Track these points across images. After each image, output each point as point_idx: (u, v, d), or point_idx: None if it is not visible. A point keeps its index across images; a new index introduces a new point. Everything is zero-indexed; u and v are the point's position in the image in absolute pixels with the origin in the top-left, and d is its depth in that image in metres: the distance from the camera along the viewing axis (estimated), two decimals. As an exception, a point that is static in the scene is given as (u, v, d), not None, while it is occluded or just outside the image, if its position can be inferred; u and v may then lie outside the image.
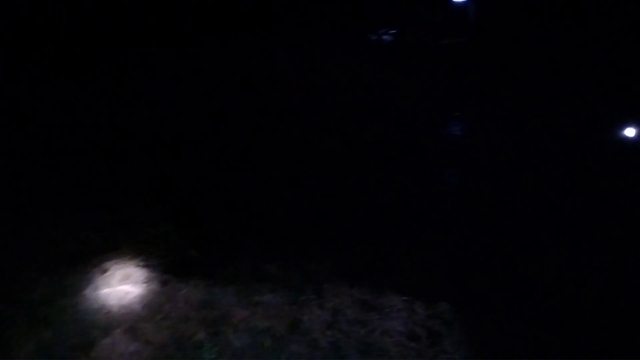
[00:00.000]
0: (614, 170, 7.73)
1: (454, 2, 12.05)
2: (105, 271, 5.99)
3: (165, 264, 5.94)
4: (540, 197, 7.26)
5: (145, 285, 5.58)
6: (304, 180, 7.97)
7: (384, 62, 11.86)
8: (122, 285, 5.62)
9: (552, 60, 10.88)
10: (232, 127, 9.54)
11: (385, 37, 12.35)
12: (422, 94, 10.58)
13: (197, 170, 8.20)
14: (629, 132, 5.76)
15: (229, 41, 12.01)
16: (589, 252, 6.02)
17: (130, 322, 4.92)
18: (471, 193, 7.67)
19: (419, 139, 9.18)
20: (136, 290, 5.47)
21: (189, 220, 7.11)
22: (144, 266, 6.01)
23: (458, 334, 4.72)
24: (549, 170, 7.88)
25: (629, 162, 7.92)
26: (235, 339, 4.50)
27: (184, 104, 10.31)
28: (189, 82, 11.13)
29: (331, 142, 9.01)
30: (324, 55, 11.91)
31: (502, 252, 6.14)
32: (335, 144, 8.99)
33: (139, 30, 11.37)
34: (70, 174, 7.92)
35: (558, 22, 11.19)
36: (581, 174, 7.67)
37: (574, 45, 10.82)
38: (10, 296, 5.38)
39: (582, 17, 10.90)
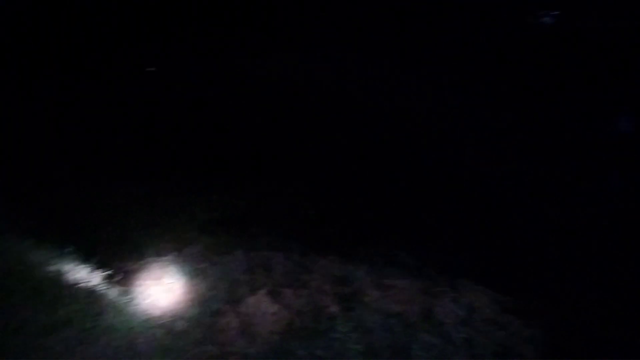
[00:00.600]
0: None
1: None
2: (252, 236, 6.54)
3: (306, 237, 6.24)
4: None
5: (286, 253, 5.93)
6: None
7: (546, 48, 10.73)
8: (266, 251, 6.04)
9: None
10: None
11: (546, 19, 11.08)
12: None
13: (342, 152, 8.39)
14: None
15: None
16: None
17: (273, 285, 5.27)
18: None
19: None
20: (278, 257, 5.83)
21: (328, 199, 7.38)
22: (286, 236, 6.40)
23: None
24: None
25: None
26: (367, 318, 4.55)
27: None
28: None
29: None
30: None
31: None
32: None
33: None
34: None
35: None
36: None
37: None
38: (176, 250, 6.15)
39: None
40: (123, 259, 6.05)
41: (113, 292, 4.91)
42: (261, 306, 4.98)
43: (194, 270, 5.71)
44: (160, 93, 10.32)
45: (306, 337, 4.43)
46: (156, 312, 5.00)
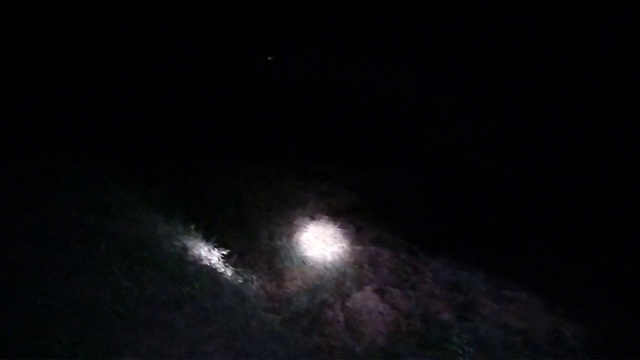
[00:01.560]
0: None
1: None
2: (359, 229, 6.37)
3: (415, 235, 5.91)
4: None
5: (393, 250, 5.66)
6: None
7: None
8: (373, 246, 5.83)
9: None
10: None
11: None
12: None
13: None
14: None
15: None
16: None
17: (380, 283, 5.05)
18: None
19: None
20: (385, 253, 5.59)
21: (438, 196, 6.93)
22: (394, 232, 6.12)
23: None
24: None
25: None
26: (485, 332, 4.13)
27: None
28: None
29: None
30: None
31: None
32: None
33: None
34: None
35: None
36: None
37: None
38: (287, 235, 6.18)
39: None
40: (238, 240, 6.23)
41: (229, 273, 5.04)
42: (368, 303, 4.79)
43: (303, 257, 5.69)
44: (277, 80, 10.48)
45: (415, 344, 4.15)
46: (267, 295, 5.07)
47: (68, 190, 5.32)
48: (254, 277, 5.34)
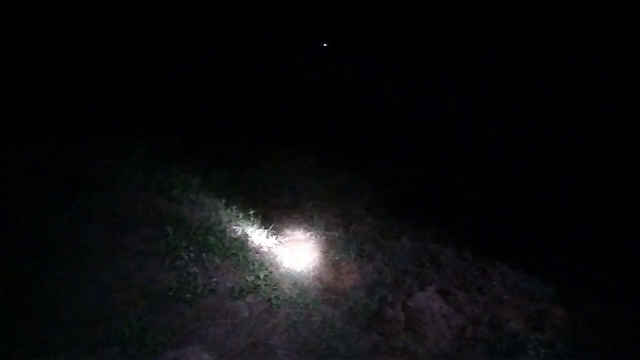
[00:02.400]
0: None
1: None
2: (419, 223, 6.08)
3: (478, 234, 5.56)
4: None
5: (456, 249, 5.35)
6: None
7: None
8: (434, 243, 5.53)
9: None
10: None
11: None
12: None
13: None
14: None
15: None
16: None
17: (443, 283, 4.77)
18: None
19: None
20: (448, 252, 5.29)
21: (504, 194, 6.51)
22: (455, 229, 5.80)
23: None
24: None
25: None
26: (562, 347, 3.77)
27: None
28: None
29: None
30: None
31: None
32: None
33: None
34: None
35: None
36: None
37: None
38: (343, 226, 5.99)
39: None
40: (294, 228, 6.10)
41: (288, 262, 4.91)
42: (430, 304, 4.52)
43: (361, 250, 5.47)
44: (331, 68, 10.22)
45: (483, 352, 3.86)
46: (327, 287, 4.90)
47: (135, 172, 5.35)
48: (310, 268, 5.19)
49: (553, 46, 7.93)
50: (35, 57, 8.00)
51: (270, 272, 4.23)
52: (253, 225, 5.45)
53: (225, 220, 4.77)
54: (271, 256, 4.86)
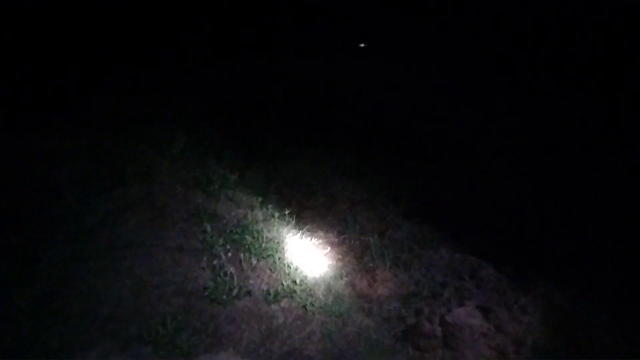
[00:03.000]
0: None
1: None
2: (457, 234, 5.78)
3: (521, 249, 5.24)
4: None
5: (498, 264, 5.05)
6: None
7: None
8: (474, 256, 5.25)
9: None
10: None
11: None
12: None
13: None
14: None
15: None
16: None
17: (483, 300, 4.49)
18: None
19: None
20: (489, 267, 5.00)
21: (547, 207, 6.13)
22: (497, 242, 5.49)
23: None
24: None
25: None
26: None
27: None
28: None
29: None
30: None
31: None
32: None
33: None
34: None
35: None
36: None
37: None
38: (379, 231, 5.77)
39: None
40: (328, 230, 5.92)
41: (322, 266, 4.74)
42: (470, 321, 4.26)
43: (397, 258, 5.25)
44: (370, 69, 9.97)
45: (527, 377, 3.59)
46: (361, 295, 4.71)
47: (174, 165, 5.29)
48: (343, 273, 5.00)
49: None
50: (82, 46, 8.10)
51: (305, 277, 4.07)
52: (288, 225, 5.31)
53: (262, 219, 4.64)
54: (306, 259, 4.69)
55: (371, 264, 5.15)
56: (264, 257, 3.88)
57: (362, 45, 12.17)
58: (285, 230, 5.09)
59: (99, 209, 4.09)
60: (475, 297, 4.56)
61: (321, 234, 5.82)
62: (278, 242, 4.43)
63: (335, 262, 5.19)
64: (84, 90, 6.86)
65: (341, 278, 4.93)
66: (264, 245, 4.06)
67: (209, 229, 3.81)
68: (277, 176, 7.02)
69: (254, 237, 4.06)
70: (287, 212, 5.43)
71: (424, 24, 9.58)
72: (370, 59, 10.54)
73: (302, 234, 5.38)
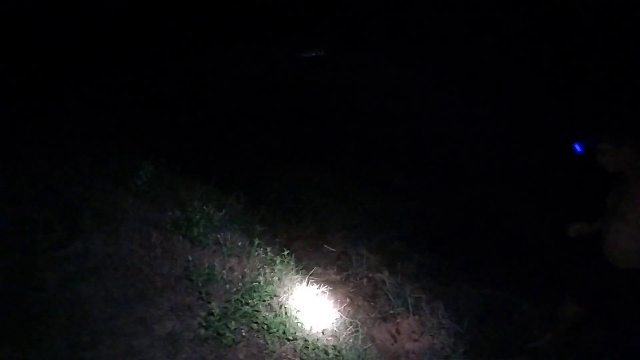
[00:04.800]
0: None
1: None
2: (475, 262, 5.09)
3: (546, 278, 4.61)
4: None
5: (532, 301, 4.37)
6: None
7: None
8: (501, 291, 4.54)
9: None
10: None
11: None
12: None
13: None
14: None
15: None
16: None
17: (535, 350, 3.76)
18: None
19: None
20: (523, 304, 4.30)
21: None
22: (519, 273, 4.84)
23: None
24: None
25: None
26: None
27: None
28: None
29: None
30: None
31: None
32: None
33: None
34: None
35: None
36: None
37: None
38: (388, 265, 4.94)
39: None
40: (327, 266, 5.02)
41: (331, 316, 3.79)
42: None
43: (415, 300, 4.40)
44: (354, 75, 9.16)
45: None
46: (384, 351, 3.82)
47: (142, 202, 4.15)
48: (358, 322, 4.07)
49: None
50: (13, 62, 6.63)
51: (333, 347, 3.12)
52: (289, 268, 4.31)
53: (268, 271, 3.62)
54: (315, 312, 3.73)
55: (390, 311, 4.29)
56: (289, 340, 2.88)
57: (315, 54, 11.33)
58: (288, 278, 4.09)
59: (47, 277, 2.91)
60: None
61: (319, 270, 4.89)
62: (290, 303, 3.44)
63: (344, 308, 4.26)
64: (19, 116, 5.46)
65: (356, 330, 4.00)
66: (282, 318, 3.05)
67: (217, 309, 2.72)
68: (261, 204, 6.01)
69: (270, 307, 3.05)
70: (286, 252, 4.42)
71: (421, 26, 8.98)
72: (354, 63, 9.73)
73: (304, 277, 4.39)
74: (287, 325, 2.99)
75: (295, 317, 3.13)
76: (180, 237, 3.80)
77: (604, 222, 2.67)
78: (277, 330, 2.80)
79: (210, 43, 8.69)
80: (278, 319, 2.91)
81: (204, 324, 2.58)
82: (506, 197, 6.16)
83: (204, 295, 2.88)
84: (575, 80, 7.28)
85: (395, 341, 3.96)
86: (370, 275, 4.87)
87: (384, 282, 4.66)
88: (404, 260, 5.10)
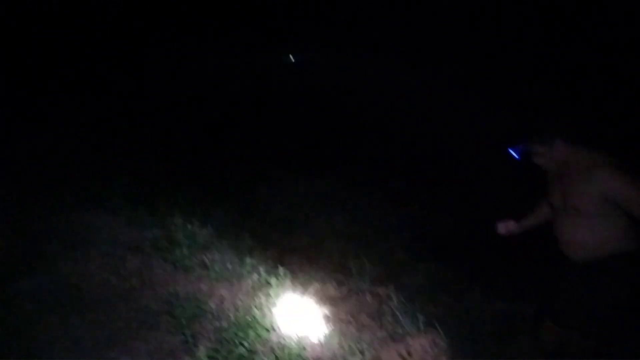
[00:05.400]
0: None
1: None
2: (485, 268, 4.71)
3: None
4: None
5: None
6: None
7: None
8: (519, 302, 4.16)
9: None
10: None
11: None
12: None
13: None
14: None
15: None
16: None
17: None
18: None
19: None
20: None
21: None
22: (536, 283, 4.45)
23: None
24: None
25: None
26: None
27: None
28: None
29: None
30: None
31: None
32: None
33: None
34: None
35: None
36: None
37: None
38: (391, 278, 4.52)
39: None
40: (325, 281, 4.56)
41: (333, 339, 3.36)
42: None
43: (425, 316, 3.98)
44: (346, 77, 8.73)
45: None
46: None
47: (117, 223, 3.65)
48: (364, 346, 3.63)
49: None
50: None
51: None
52: (283, 287, 3.85)
53: (263, 299, 3.15)
54: (323, 342, 3.29)
55: (399, 329, 3.86)
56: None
57: (291, 58, 10.88)
58: (285, 302, 3.62)
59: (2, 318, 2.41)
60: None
61: (316, 285, 4.43)
62: (289, 329, 2.99)
63: (346, 328, 3.81)
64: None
65: (362, 354, 3.56)
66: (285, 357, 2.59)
67: (203, 354, 2.25)
68: (247, 213, 5.55)
69: (266, 344, 2.59)
70: (281, 271, 3.97)
71: (418, 29, 8.61)
72: (348, 65, 9.28)
73: (301, 297, 3.94)
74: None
75: (298, 355, 2.67)
76: (161, 261, 3.31)
77: (556, 222, 2.65)
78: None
79: (189, 42, 8.14)
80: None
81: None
82: (510, 199, 5.81)
83: (189, 336, 2.40)
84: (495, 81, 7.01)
85: (411, 364, 3.52)
86: (373, 289, 4.44)
87: (389, 297, 4.21)
88: (409, 271, 4.67)
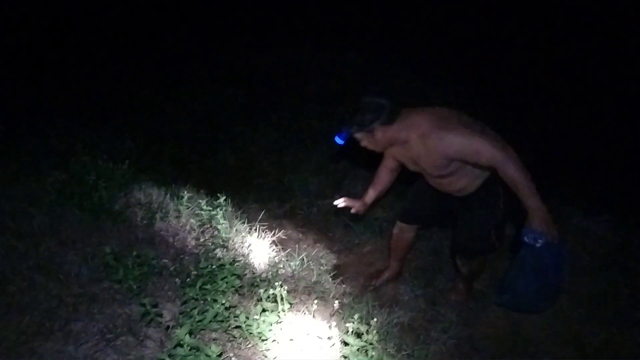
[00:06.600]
0: None
1: None
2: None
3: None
4: None
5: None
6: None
7: None
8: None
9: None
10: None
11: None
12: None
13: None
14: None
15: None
16: None
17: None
18: None
19: None
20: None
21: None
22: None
23: None
24: None
25: None
26: None
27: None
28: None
29: None
30: None
31: None
32: None
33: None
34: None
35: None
36: None
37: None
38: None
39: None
40: (264, 201, 4.17)
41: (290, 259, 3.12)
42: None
43: (381, 222, 3.86)
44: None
45: None
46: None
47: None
48: (322, 262, 3.45)
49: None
50: None
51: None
52: (231, 218, 3.41)
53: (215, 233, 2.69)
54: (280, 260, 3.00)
55: (356, 240, 3.72)
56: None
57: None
58: (238, 234, 3.20)
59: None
60: None
61: (257, 208, 4.00)
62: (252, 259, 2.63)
63: (300, 245, 3.56)
64: None
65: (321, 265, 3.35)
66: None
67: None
68: (161, 139, 4.79)
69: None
70: (222, 199, 3.44)
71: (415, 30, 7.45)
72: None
73: (250, 225, 3.50)
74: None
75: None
76: (76, 211, 2.64)
77: (426, 180, 2.69)
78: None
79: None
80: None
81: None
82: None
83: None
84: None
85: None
86: (319, 202, 4.20)
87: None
88: (352, 179, 4.48)
